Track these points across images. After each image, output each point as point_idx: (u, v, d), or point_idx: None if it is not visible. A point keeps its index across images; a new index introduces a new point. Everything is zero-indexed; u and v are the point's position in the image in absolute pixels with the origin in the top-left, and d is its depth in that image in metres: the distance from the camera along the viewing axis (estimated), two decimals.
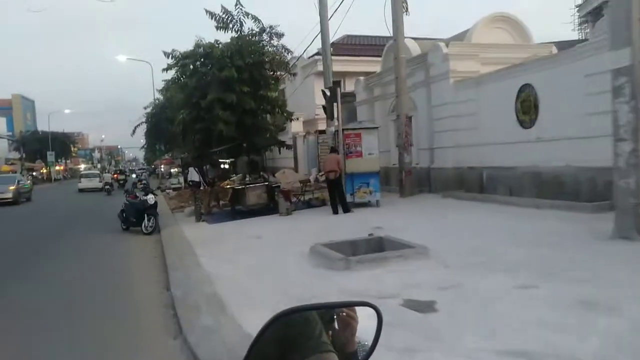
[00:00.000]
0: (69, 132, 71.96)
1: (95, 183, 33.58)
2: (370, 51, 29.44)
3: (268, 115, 16.25)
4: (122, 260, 8.93)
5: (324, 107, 12.04)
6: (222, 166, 16.50)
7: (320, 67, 21.78)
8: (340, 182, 11.36)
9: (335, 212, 11.28)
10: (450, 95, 13.11)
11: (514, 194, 11.17)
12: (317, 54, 21.79)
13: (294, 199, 13.05)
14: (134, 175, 42.93)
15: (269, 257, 7.35)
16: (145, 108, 34.44)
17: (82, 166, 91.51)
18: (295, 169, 19.60)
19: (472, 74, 12.99)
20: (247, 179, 13.74)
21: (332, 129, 12.82)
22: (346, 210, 11.26)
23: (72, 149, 75.45)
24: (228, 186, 13.21)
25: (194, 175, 12.39)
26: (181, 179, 30.75)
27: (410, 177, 13.43)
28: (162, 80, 30.81)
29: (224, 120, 14.10)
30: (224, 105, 14.31)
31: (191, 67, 15.27)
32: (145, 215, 11.58)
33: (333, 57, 26.66)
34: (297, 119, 16.98)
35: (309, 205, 13.13)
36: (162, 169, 44.03)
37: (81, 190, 32.95)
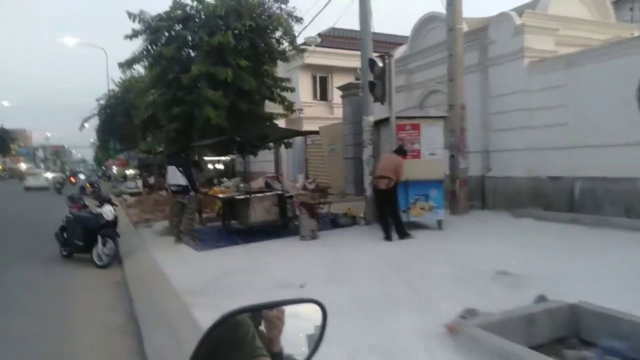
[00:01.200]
0: (9, 128, 66.03)
1: (42, 182, 33.13)
2: (359, 45, 26.33)
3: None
4: (50, 339, 4.88)
5: (370, 83, 8.47)
6: (209, 166, 12.54)
7: (307, 60, 18.28)
8: (395, 195, 7.81)
9: (388, 237, 7.71)
10: (523, 82, 9.89)
11: (633, 214, 8.02)
12: (304, 43, 18.33)
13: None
14: (82, 177, 37.40)
15: (355, 346, 3.67)
16: (98, 100, 29.56)
17: (23, 165, 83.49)
18: (277, 175, 15.85)
19: (548, 54, 9.86)
20: (240, 185, 9.94)
21: (370, 119, 9.26)
22: (402, 234, 7.72)
23: (12, 146, 68.65)
24: (221, 195, 9.32)
25: (176, 177, 8.47)
26: (139, 183, 26.30)
27: (465, 188, 10.08)
28: (120, 68, 26.59)
29: (213, 102, 10.24)
30: (213, 83, 10.46)
31: (167, 33, 11.30)
32: (99, 238, 7.56)
33: (319, 49, 23.10)
34: (301, 110, 13.37)
35: (334, 223, 9.48)
36: (115, 171, 38.87)
37: (27, 189, 31.90)
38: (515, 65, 10.02)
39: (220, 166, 12.55)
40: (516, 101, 9.98)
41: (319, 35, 21.97)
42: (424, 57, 13.01)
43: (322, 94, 25.04)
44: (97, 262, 7.49)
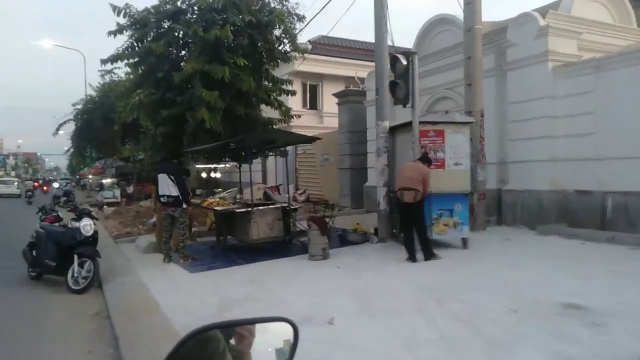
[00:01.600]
0: None
1: (12, 189, 33.38)
2: (349, 54, 25.72)
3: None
4: None
5: (392, 83, 7.55)
6: (204, 175, 11.38)
7: (297, 67, 17.29)
8: (422, 210, 6.89)
9: (413, 257, 6.75)
10: (546, 87, 9.15)
11: None
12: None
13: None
14: (55, 185, 35.42)
15: None
16: (74, 105, 28.01)
17: None
18: (276, 186, 14.83)
19: (572, 59, 9.17)
20: (237, 197, 8.86)
21: (385, 124, 8.33)
22: (429, 255, 6.78)
23: None
24: (218, 207, 8.20)
25: (167, 187, 7.37)
26: (117, 192, 24.87)
27: (484, 202, 9.24)
28: (102, 64, 25.18)
29: (208, 104, 9.17)
30: (208, 82, 9.41)
31: (155, 29, 10.23)
32: (76, 257, 6.38)
33: (310, 56, 22.44)
34: (299, 117, 12.37)
35: (342, 240, 8.49)
36: (90, 180, 37.03)
37: None
38: (537, 69, 9.29)
39: (217, 175, 11.36)
40: (539, 108, 9.22)
41: (309, 42, 21.12)
42: (431, 62, 12.21)
43: (312, 102, 24.15)
44: (72, 287, 6.31)
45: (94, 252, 6.53)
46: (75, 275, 6.34)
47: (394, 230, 8.41)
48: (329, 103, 24.51)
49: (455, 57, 10.96)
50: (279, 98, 11.44)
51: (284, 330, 1.09)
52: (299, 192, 19.32)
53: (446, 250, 7.37)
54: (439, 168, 7.40)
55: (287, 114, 11.49)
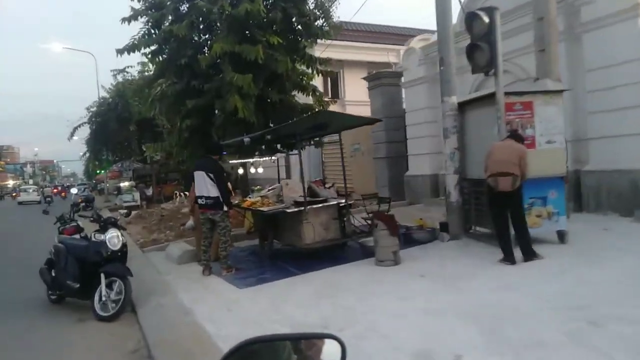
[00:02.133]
0: None
1: (33, 196, 36.23)
2: (370, 38, 24.39)
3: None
4: None
5: (471, 47, 6.22)
6: (240, 171, 10.18)
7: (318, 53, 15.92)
8: (521, 199, 5.61)
9: (510, 258, 5.47)
10: (637, 47, 7.75)
11: None
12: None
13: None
14: (74, 191, 34.70)
15: None
16: (88, 108, 27.10)
17: (11, 182, 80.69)
18: (321, 180, 13.64)
19: None
20: (280, 194, 7.64)
21: (453, 100, 7.03)
22: (530, 254, 5.50)
23: None
24: (260, 206, 6.98)
25: (205, 186, 6.21)
26: (136, 195, 23.90)
27: (567, 187, 7.88)
28: (111, 71, 24.16)
29: (239, 90, 7.98)
30: (239, 65, 8.22)
31: (174, 11, 9.04)
32: (102, 277, 5.25)
33: (329, 42, 21.27)
34: (334, 102, 11.10)
35: (407, 239, 7.24)
36: (107, 184, 36.22)
37: (20, 203, 35.14)
38: (624, 27, 7.88)
39: (259, 170, 10.13)
40: (627, 73, 7.82)
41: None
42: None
43: (333, 91, 22.82)
44: (101, 313, 5.17)
45: (125, 270, 5.38)
46: (104, 298, 5.20)
47: (467, 225, 7.15)
48: (352, 91, 23.23)
49: (513, 23, 9.61)
50: (311, 83, 10.23)
51: (332, 348, 1.04)
52: (327, 185, 18.07)
53: (540, 246, 6.05)
54: (530, 148, 6.06)
55: (321, 100, 10.26)
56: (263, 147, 9.73)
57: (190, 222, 8.08)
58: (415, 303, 4.43)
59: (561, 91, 6.39)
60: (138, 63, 24.24)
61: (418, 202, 13.03)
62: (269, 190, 7.72)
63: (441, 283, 5.04)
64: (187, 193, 20.07)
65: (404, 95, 14.45)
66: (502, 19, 9.81)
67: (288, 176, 20.85)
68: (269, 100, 9.06)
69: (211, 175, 6.18)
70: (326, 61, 9.37)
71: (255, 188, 9.11)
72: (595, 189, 8.42)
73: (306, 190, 7.95)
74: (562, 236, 6.30)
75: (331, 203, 6.79)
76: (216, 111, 8.70)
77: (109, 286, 5.27)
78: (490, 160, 5.60)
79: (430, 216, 9.11)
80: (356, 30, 24.23)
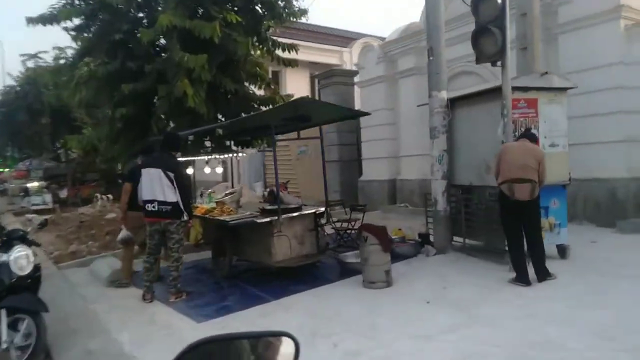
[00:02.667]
0: None
1: None
2: (314, 39, 23.64)
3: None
4: None
5: (480, 30, 5.34)
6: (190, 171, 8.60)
7: None
8: (539, 209, 4.85)
9: (525, 279, 4.67)
10: (617, 51, 7.43)
11: None
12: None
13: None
14: None
15: None
16: None
17: None
18: (284, 184, 12.35)
19: None
20: (240, 200, 6.38)
21: (443, 95, 6.19)
22: (544, 273, 4.75)
23: None
24: (219, 214, 5.66)
25: (161, 189, 4.85)
26: (47, 197, 21.01)
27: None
28: (21, 56, 21.16)
29: (190, 73, 6.63)
30: (188, 46, 6.86)
31: None
32: (3, 313, 3.71)
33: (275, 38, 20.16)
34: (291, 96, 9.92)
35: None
36: (12, 185, 32.12)
37: None
38: (604, 29, 7.55)
39: (218, 169, 8.62)
40: (606, 77, 7.51)
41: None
42: (447, 31, 10.27)
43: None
44: None
45: (36, 303, 3.88)
46: (4, 345, 3.68)
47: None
48: (293, 90, 22.25)
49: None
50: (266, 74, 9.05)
51: (287, 346, 1.05)
52: (267, 190, 16.86)
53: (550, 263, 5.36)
54: None
55: (277, 94, 9.07)
56: (210, 143, 8.43)
57: (125, 233, 6.58)
58: (445, 344, 3.45)
59: (566, 89, 5.77)
60: (54, 48, 21.47)
61: (374, 208, 12.21)
62: (225, 195, 6.41)
63: (456, 312, 4.11)
64: (109, 196, 17.90)
65: (357, 95, 13.63)
66: (467, 18, 9.37)
67: (225, 180, 19.35)
68: (221, 90, 7.74)
69: (170, 174, 4.84)
70: (292, 47, 8.20)
71: (207, 192, 7.73)
72: (571, 198, 8.02)
73: (266, 195, 6.83)
74: (562, 251, 5.66)
75: (307, 212, 5.66)
76: (156, 99, 7.24)
77: (13, 326, 3.75)
78: (503, 164, 4.79)
79: (393, 224, 8.26)
80: (299, 29, 23.25)
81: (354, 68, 14.34)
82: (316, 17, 20.70)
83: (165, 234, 5.09)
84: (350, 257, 5.82)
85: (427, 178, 11.28)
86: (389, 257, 5.07)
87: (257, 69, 8.78)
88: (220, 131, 7.81)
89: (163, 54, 7.43)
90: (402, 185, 11.81)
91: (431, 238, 6.51)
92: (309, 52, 22.34)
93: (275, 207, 5.45)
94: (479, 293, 4.60)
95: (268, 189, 7.56)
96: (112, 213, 13.46)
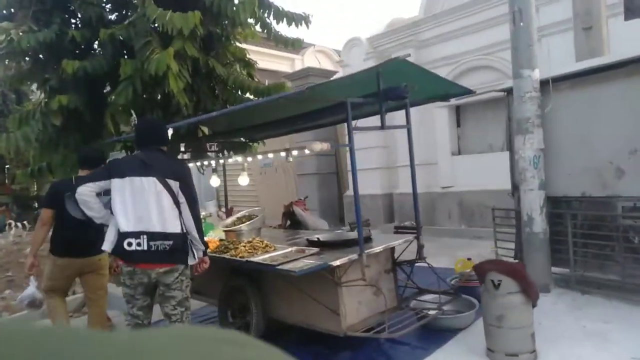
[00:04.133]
0: None
1: None
2: (265, 45, 21.81)
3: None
4: None
5: None
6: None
7: None
8: None
9: None
10: None
11: None
12: None
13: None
14: None
15: None
16: None
17: None
18: (302, 200, 10.04)
19: None
20: (253, 229, 4.21)
21: (535, 74, 4.53)
22: None
23: None
24: (248, 252, 3.49)
25: (159, 210, 2.73)
26: None
27: None
28: None
29: (169, 41, 4.48)
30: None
31: None
32: None
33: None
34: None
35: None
36: None
37: None
38: None
39: (244, 180, 6.16)
40: None
41: None
42: (453, 21, 8.92)
43: None
44: None
45: None
46: None
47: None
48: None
49: (497, 10, 7.90)
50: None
51: None
52: (223, 209, 14.53)
53: None
54: None
55: (252, 75, 6.80)
56: (185, 147, 6.20)
57: (32, 291, 4.16)
58: None
59: None
60: None
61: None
62: (238, 219, 4.23)
63: None
64: (25, 223, 14.57)
65: None
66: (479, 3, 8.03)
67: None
68: (202, 74, 5.59)
69: (173, 185, 2.72)
70: (303, 19, 6.08)
71: (209, 214, 5.54)
72: None
73: (286, 218, 4.80)
74: None
75: (387, 245, 3.65)
76: (116, 82, 4.95)
77: None
78: None
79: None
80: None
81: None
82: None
83: (158, 291, 2.93)
84: (425, 304, 3.92)
85: (433, 191, 9.83)
86: (532, 312, 3.23)
87: (243, 52, 6.69)
88: (206, 130, 5.67)
89: (123, 19, 5.14)
90: (402, 200, 10.10)
91: None
92: (259, 58, 20.45)
93: (333, 236, 3.43)
94: None
95: (288, 209, 5.40)
96: (26, 251, 10.49)
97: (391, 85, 3.29)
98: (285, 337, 3.92)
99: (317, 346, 3.64)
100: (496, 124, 9.21)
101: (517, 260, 4.99)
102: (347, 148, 10.45)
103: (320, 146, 3.30)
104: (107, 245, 2.84)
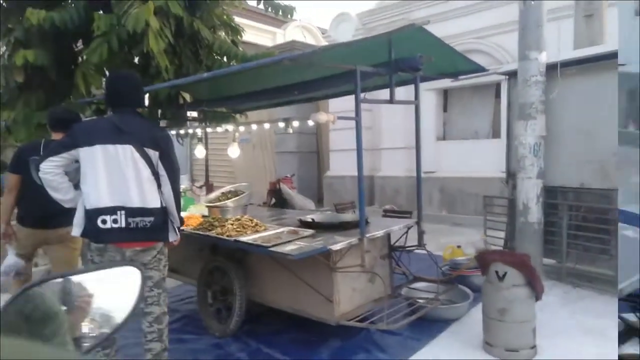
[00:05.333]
0: None
1: None
2: (250, 17, 21.16)
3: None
4: None
5: None
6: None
7: None
8: None
9: None
10: None
11: None
12: None
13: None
14: None
15: None
16: None
17: None
18: (289, 177, 9.64)
19: None
20: (239, 206, 3.89)
21: (542, 57, 4.32)
22: None
23: None
24: (236, 231, 3.19)
25: (136, 183, 2.39)
26: None
27: None
28: None
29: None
30: None
31: None
32: None
33: None
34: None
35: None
36: None
37: None
38: None
39: (234, 152, 5.70)
40: None
41: None
42: (445, 2, 8.68)
43: None
44: None
45: None
46: None
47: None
48: None
49: None
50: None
51: (131, 276, 0.94)
52: (197, 184, 14.10)
53: None
54: None
55: (236, 41, 6.33)
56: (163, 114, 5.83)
57: (13, 260, 3.73)
58: None
59: None
60: None
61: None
62: (222, 196, 3.89)
63: None
64: None
65: None
66: None
67: None
68: (185, 38, 5.17)
69: (153, 155, 2.39)
70: None
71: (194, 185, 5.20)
72: None
73: (271, 196, 4.52)
74: None
75: (388, 230, 3.41)
76: (90, 37, 4.48)
77: None
78: None
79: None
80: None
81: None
82: None
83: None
84: (416, 292, 3.73)
85: (414, 176, 9.61)
86: (534, 306, 3.07)
87: (230, 17, 6.25)
88: (187, 97, 5.28)
89: None
90: (384, 184, 9.92)
91: None
92: (258, 34, 19.82)
93: (328, 218, 3.17)
94: None
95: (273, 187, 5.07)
96: None
97: (402, 56, 3.00)
98: (268, 321, 3.67)
99: (304, 333, 3.40)
100: (483, 110, 9.08)
101: (506, 249, 4.87)
102: (331, 127, 10.16)
103: (327, 117, 3.00)
104: (77, 230, 2.48)
